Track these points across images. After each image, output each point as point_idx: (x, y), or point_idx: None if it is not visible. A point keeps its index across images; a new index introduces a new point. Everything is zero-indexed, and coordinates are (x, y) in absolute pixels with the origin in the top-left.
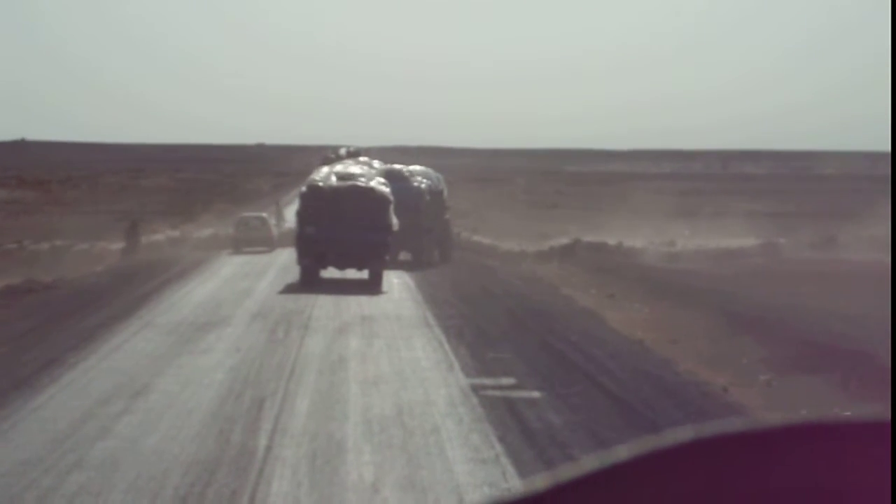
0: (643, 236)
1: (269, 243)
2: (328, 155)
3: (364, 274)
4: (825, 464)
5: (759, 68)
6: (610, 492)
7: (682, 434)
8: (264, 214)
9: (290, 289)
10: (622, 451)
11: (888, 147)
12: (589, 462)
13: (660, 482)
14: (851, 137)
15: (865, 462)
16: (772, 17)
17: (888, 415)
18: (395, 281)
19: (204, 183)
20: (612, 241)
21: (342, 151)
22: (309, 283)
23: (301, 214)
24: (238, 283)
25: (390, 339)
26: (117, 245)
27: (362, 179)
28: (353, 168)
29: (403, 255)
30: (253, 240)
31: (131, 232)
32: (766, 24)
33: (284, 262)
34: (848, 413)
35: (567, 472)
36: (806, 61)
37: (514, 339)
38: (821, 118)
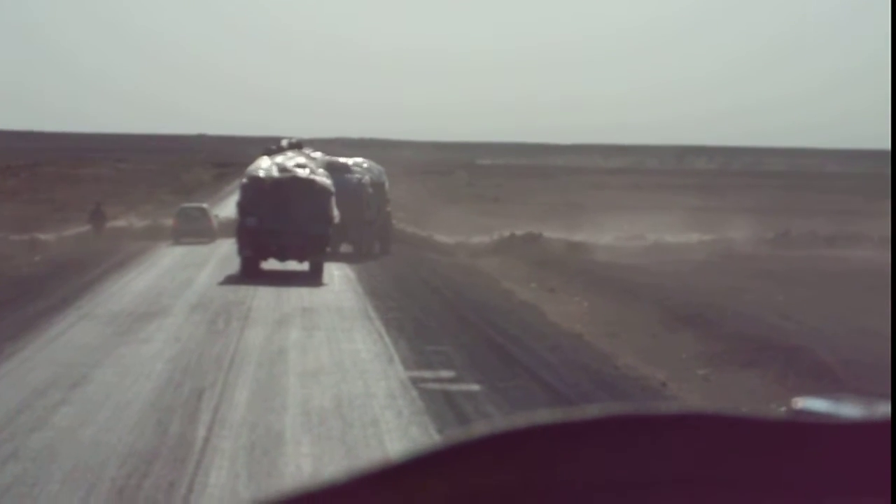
0: (583, 230)
1: (209, 234)
2: (270, 146)
3: (305, 266)
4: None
5: (725, 65)
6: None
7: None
8: (205, 205)
9: (230, 280)
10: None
11: (852, 144)
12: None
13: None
14: (811, 135)
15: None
16: (742, 14)
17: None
18: (336, 273)
19: (144, 173)
20: (553, 235)
21: (284, 143)
22: (249, 274)
23: (242, 205)
24: (178, 274)
25: (330, 331)
26: (52, 235)
27: (304, 171)
28: (295, 159)
29: (344, 248)
30: (193, 230)
31: (96, 215)
32: (738, 21)
33: (225, 253)
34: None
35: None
36: (777, 58)
37: (453, 332)
38: (795, 115)
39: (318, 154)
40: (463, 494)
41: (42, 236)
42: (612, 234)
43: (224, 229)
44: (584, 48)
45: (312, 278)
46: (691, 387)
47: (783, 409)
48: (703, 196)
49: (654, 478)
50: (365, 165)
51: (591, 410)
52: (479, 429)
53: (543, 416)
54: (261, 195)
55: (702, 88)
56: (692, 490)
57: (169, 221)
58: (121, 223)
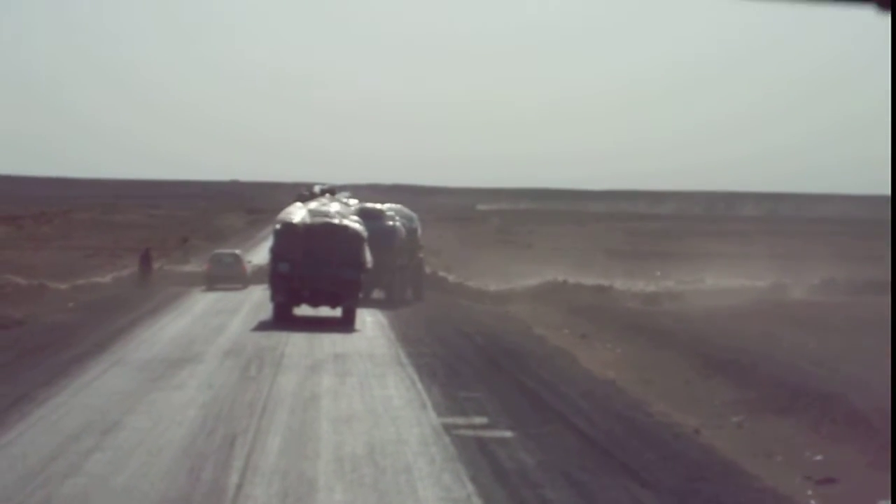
0: (616, 276)
1: (242, 280)
2: (302, 192)
3: (337, 312)
4: None
5: (744, 112)
6: None
7: None
8: (237, 251)
9: (263, 326)
10: None
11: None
12: None
13: None
14: (819, 181)
15: None
16: (761, 61)
17: None
18: (369, 319)
19: (177, 219)
20: (586, 282)
21: (316, 189)
22: (282, 320)
23: (275, 251)
24: (211, 320)
25: (363, 377)
26: (85, 280)
27: (336, 217)
28: (328, 205)
29: (377, 294)
30: (226, 276)
31: (144, 260)
32: (755, 68)
33: (258, 300)
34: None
35: None
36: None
37: (486, 378)
38: (810, 160)
39: (351, 200)
40: None
41: (84, 281)
42: (645, 281)
43: (257, 275)
44: (616, 96)
45: (345, 324)
46: (725, 434)
47: None
48: (744, 244)
49: None
50: (397, 211)
51: None
52: None
53: None
54: (294, 241)
55: (735, 131)
56: None
57: (202, 267)
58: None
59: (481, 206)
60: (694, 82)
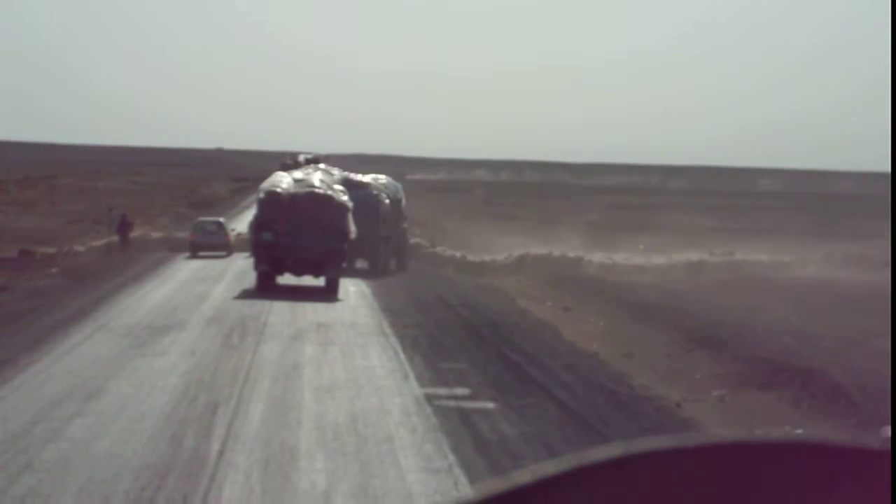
0: (600, 249)
1: (225, 248)
2: (286, 161)
3: (321, 281)
4: (816, 484)
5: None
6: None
7: (661, 441)
8: (221, 219)
9: (246, 294)
10: (595, 453)
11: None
12: (553, 465)
13: (630, 488)
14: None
15: (853, 488)
16: (760, 38)
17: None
18: (352, 289)
19: (161, 186)
20: (570, 254)
21: (301, 158)
22: (265, 288)
23: (258, 220)
24: (194, 288)
25: (346, 347)
26: (81, 245)
27: (321, 186)
28: (312, 175)
29: (360, 264)
30: (210, 244)
31: (123, 225)
32: (755, 44)
33: (241, 268)
34: (843, 437)
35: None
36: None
37: (469, 349)
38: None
39: (335, 170)
40: None
41: (64, 248)
42: (627, 254)
43: (240, 243)
44: (603, 71)
45: (328, 294)
46: (706, 408)
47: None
48: (717, 217)
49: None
50: (382, 182)
51: (697, 437)
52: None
53: (660, 441)
54: (277, 210)
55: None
56: None
57: (185, 235)
58: (132, 235)
59: (467, 177)
60: (688, 58)
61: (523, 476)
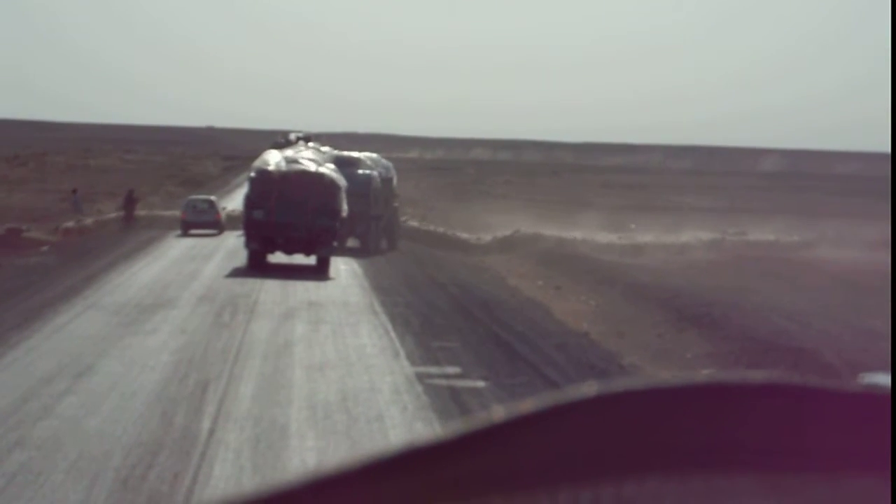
0: (590, 228)
1: (217, 226)
2: (278, 139)
3: (312, 259)
4: (795, 424)
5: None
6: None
7: (640, 382)
8: (212, 197)
9: (237, 272)
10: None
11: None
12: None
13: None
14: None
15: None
16: (761, 18)
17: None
18: (343, 267)
19: (152, 164)
20: (561, 234)
21: (292, 136)
22: (256, 267)
23: (249, 198)
24: (185, 266)
25: (336, 326)
26: (60, 224)
27: (312, 165)
28: (303, 153)
29: (351, 242)
30: (201, 222)
31: (129, 201)
32: (756, 25)
33: (232, 246)
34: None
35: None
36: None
37: (459, 328)
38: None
39: (326, 148)
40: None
41: (68, 224)
42: (618, 234)
43: (231, 222)
44: (593, 51)
45: (319, 272)
46: None
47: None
48: (711, 198)
49: (736, 446)
50: (374, 160)
51: (674, 379)
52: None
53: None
54: (269, 188)
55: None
56: (773, 460)
57: (177, 213)
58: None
59: (458, 157)
60: (683, 37)
61: (499, 414)
